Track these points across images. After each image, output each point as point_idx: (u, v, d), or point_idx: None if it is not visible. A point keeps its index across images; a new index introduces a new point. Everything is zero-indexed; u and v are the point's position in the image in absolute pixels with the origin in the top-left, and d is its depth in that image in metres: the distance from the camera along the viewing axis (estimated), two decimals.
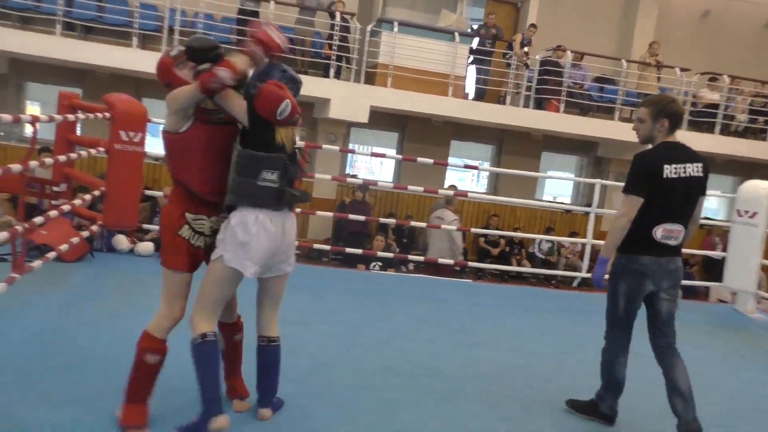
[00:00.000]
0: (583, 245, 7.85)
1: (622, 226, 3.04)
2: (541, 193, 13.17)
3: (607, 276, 3.22)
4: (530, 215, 11.71)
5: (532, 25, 11.32)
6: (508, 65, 11.14)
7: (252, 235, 2.51)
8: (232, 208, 2.56)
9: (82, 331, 3.30)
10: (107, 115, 5.07)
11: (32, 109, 11.32)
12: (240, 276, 2.59)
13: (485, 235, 10.57)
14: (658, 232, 3.04)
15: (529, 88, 10.98)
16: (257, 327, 2.81)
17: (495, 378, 3.76)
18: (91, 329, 3.40)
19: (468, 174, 13.43)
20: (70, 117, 4.98)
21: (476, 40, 11.05)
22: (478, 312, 5.37)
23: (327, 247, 7.85)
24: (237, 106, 2.52)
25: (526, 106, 11.09)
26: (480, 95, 11.18)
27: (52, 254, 4.39)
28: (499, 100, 11.43)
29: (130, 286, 4.65)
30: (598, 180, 6.86)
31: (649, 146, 3.14)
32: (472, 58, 11.00)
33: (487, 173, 13.05)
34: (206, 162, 2.56)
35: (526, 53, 10.90)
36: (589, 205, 7.10)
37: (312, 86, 10.48)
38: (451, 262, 7.83)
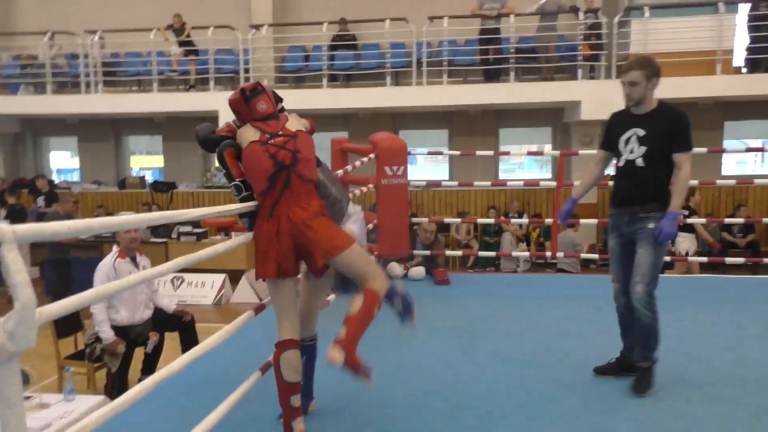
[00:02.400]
0: None
1: (689, 181, 3.21)
2: None
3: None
4: None
5: None
6: None
7: None
8: None
9: (371, 355, 3.61)
10: (372, 156, 5.49)
11: None
12: None
13: None
14: None
15: None
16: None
17: None
18: (380, 353, 3.71)
19: (750, 156, 11.88)
20: (348, 168, 5.42)
21: (747, 5, 9.78)
22: None
23: (594, 256, 7.53)
24: None
25: None
26: (755, 66, 9.86)
27: None
28: None
29: None
30: None
31: (651, 106, 3.25)
32: (740, 27, 9.78)
33: None
34: None
35: None
36: None
37: (560, 91, 10.26)
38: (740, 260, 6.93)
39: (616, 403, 3.10)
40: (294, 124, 2.70)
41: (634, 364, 3.35)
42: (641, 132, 3.23)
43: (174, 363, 2.14)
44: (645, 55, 3.46)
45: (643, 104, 3.26)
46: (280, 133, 2.63)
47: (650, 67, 3.20)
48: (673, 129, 3.18)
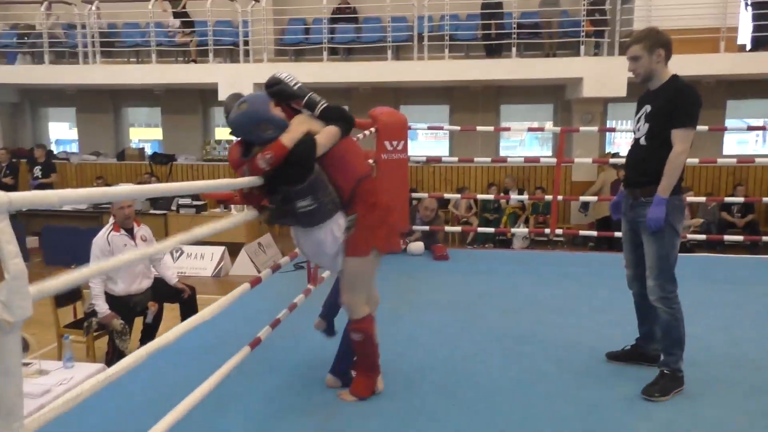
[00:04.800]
0: None
1: (683, 162, 2.93)
2: None
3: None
4: None
5: None
6: None
7: None
8: None
9: None
10: (372, 130, 5.47)
11: None
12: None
13: None
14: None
15: None
16: None
17: None
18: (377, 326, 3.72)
19: (751, 136, 11.85)
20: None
21: None
22: None
23: (593, 233, 7.54)
24: None
25: None
26: (760, 44, 9.77)
27: None
28: None
29: (409, 285, 4.97)
30: None
31: (662, 81, 2.99)
32: (746, 2, 9.67)
33: None
34: None
35: None
36: None
37: (562, 67, 10.19)
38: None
39: (609, 380, 3.12)
40: None
41: (646, 354, 3.27)
42: (649, 108, 3.02)
43: (168, 333, 2.15)
44: (648, 27, 3.13)
45: (654, 79, 3.01)
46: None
47: (649, 39, 2.95)
48: (675, 104, 2.91)
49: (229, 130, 2.69)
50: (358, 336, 2.82)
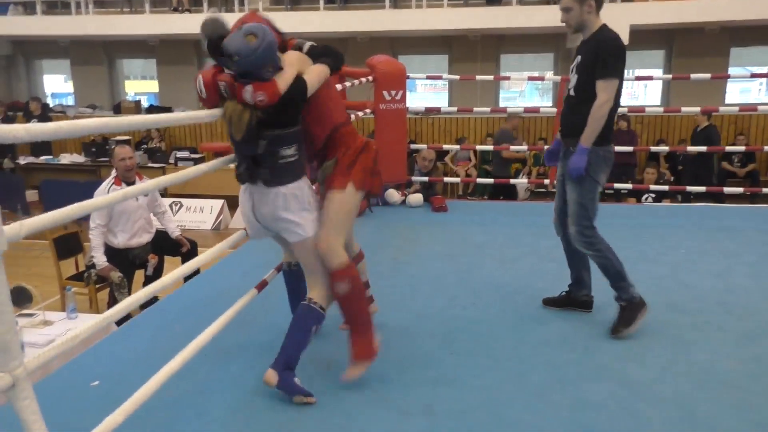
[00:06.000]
0: None
1: (605, 113, 2.95)
2: None
3: None
4: None
5: None
6: None
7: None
8: None
9: (371, 278, 3.66)
10: (370, 78, 5.40)
11: None
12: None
13: None
14: (615, 118, 3.12)
15: None
16: None
17: None
18: (377, 277, 3.76)
19: (754, 84, 11.71)
20: (338, 87, 5.39)
21: None
22: None
23: None
24: None
25: None
26: None
27: None
28: None
29: (408, 236, 5.00)
30: None
31: (592, 32, 3.02)
32: None
33: None
34: None
35: None
36: None
37: (559, 15, 9.98)
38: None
39: (604, 327, 3.16)
40: None
41: (577, 300, 3.37)
42: (579, 59, 3.08)
43: (166, 277, 2.16)
44: None
45: (586, 30, 3.06)
46: None
47: None
48: (597, 54, 2.95)
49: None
50: (344, 287, 2.51)
